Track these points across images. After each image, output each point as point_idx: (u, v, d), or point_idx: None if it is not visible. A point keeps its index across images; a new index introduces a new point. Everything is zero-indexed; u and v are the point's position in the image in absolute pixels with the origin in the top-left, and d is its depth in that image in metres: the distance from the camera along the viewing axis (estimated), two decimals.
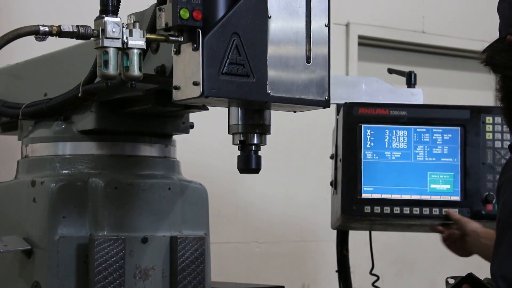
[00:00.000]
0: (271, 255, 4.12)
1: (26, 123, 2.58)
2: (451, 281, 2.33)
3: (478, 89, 5.06)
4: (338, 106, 3.02)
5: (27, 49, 2.64)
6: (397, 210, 2.83)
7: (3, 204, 2.52)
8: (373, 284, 3.25)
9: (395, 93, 3.16)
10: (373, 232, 3.27)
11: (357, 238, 3.70)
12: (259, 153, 2.12)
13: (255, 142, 2.11)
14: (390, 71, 3.43)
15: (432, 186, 2.86)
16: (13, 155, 2.72)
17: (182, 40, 1.93)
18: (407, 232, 3.33)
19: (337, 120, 2.98)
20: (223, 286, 2.81)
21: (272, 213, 4.11)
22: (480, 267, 2.53)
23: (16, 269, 2.39)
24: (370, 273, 3.25)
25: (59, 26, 1.99)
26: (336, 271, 3.29)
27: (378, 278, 3.23)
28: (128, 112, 2.41)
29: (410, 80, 3.24)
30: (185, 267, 2.37)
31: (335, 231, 3.27)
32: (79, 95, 2.30)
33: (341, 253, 3.26)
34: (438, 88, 4.82)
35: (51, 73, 2.55)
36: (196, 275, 2.39)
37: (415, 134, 2.88)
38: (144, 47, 1.98)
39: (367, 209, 2.83)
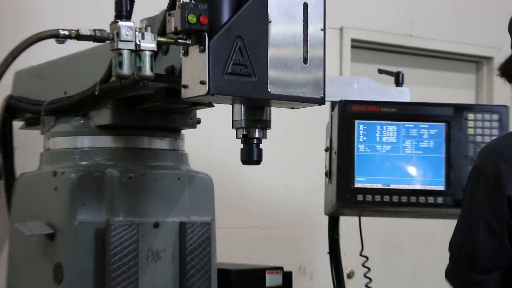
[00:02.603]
0: (271, 239, 4.12)
1: (48, 119, 2.59)
2: None
3: (460, 88, 5.06)
4: (333, 103, 3.02)
5: (36, 52, 2.65)
6: (387, 198, 2.83)
7: (28, 192, 2.53)
8: (363, 264, 3.26)
9: (385, 91, 3.16)
10: (363, 218, 3.28)
11: (349, 224, 3.70)
12: (261, 146, 2.13)
13: (257, 136, 2.11)
14: (380, 71, 3.43)
15: (419, 176, 2.87)
16: (36, 148, 2.73)
17: (190, 42, 1.94)
18: (395, 218, 3.34)
19: (331, 116, 2.98)
20: (227, 266, 2.82)
21: (272, 201, 4.11)
22: None
23: (40, 251, 2.40)
24: (360, 254, 3.26)
25: (78, 30, 1.99)
26: (328, 253, 3.29)
27: (367, 259, 3.24)
28: (140, 108, 2.41)
29: (398, 80, 3.23)
30: (193, 250, 2.38)
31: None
32: (96, 93, 2.30)
33: (332, 237, 3.25)
34: (424, 87, 4.82)
35: (70, 73, 2.56)
36: (203, 257, 2.39)
37: (403, 129, 2.88)
38: (155, 49, 1.98)
39: (360, 197, 2.83)
